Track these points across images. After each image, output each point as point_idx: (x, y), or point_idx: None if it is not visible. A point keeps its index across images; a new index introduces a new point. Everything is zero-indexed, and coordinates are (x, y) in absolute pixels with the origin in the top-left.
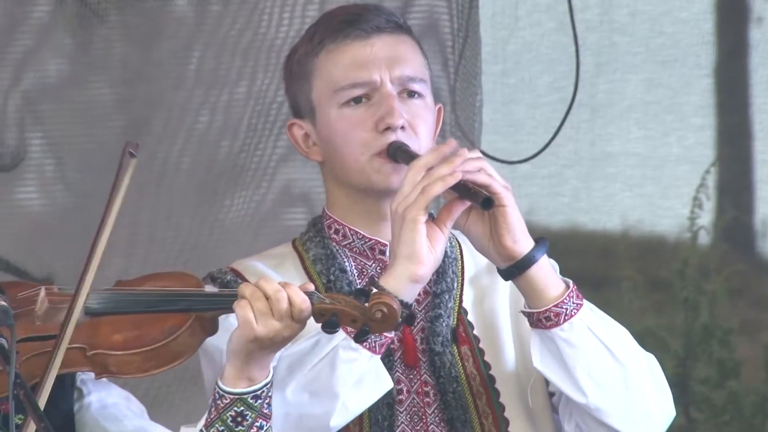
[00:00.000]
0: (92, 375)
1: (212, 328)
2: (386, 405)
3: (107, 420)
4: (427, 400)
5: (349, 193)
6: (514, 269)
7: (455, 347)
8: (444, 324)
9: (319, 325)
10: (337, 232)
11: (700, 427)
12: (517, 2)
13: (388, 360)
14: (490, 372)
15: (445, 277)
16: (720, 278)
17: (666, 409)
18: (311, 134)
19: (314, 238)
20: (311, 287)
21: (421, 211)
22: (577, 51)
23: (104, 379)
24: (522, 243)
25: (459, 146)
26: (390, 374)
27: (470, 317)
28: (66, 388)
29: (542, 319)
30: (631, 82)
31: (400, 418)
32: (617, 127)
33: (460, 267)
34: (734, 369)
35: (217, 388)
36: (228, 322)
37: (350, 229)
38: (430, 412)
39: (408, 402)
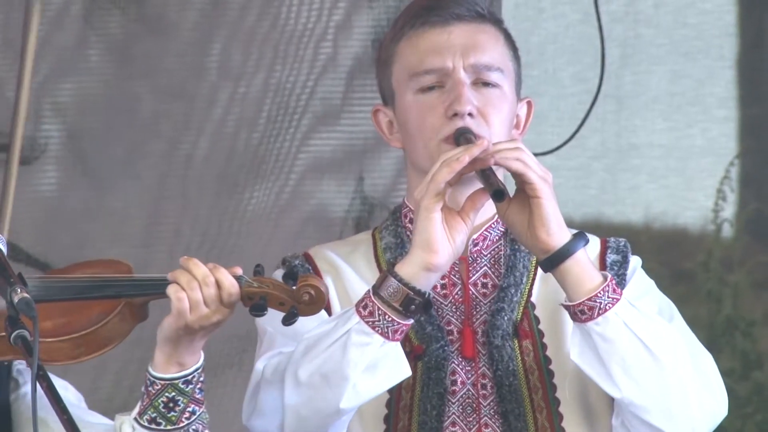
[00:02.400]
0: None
1: (143, 314)
2: (437, 395)
3: (43, 410)
4: (484, 392)
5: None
6: (549, 262)
7: (516, 341)
8: (506, 318)
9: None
10: (411, 221)
11: (723, 419)
12: None
13: (443, 351)
14: (550, 366)
15: (514, 272)
16: (743, 270)
17: (711, 408)
18: (393, 121)
19: (390, 226)
20: (239, 271)
21: (433, 199)
22: (602, 42)
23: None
24: (557, 236)
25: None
26: (445, 365)
27: (537, 311)
28: (2, 378)
29: (578, 312)
30: (655, 74)
31: (451, 408)
32: (642, 118)
33: (533, 261)
34: (758, 360)
35: (149, 375)
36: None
37: None
38: (485, 405)
39: (462, 393)
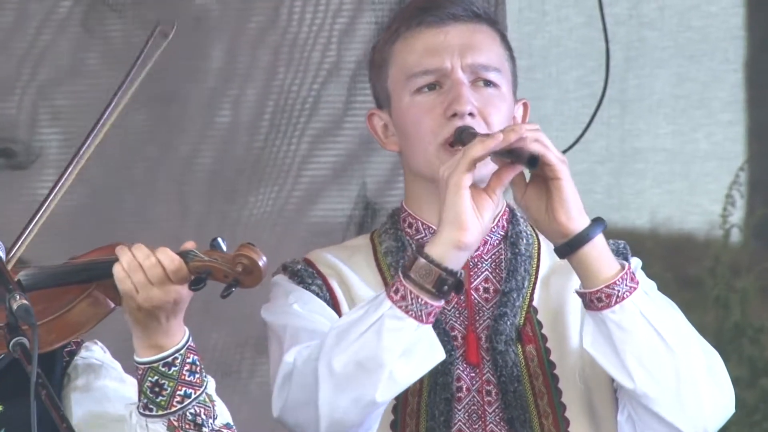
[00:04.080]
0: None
1: (118, 297)
2: (444, 401)
3: (96, 402)
4: (488, 398)
5: (422, 185)
6: (567, 247)
7: (519, 346)
8: (508, 323)
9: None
10: (410, 226)
11: (732, 426)
12: None
13: (449, 356)
14: (554, 371)
15: (516, 276)
16: (751, 276)
17: (722, 404)
18: (389, 124)
19: (389, 230)
20: (191, 245)
21: (463, 174)
22: (607, 45)
23: (93, 361)
24: (577, 220)
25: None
26: (451, 370)
27: (540, 316)
28: (56, 371)
29: (594, 300)
30: (660, 77)
31: (457, 415)
32: (646, 122)
33: (534, 265)
34: (766, 368)
35: (134, 361)
36: (276, 294)
37: (423, 224)
38: (490, 411)
39: (467, 400)
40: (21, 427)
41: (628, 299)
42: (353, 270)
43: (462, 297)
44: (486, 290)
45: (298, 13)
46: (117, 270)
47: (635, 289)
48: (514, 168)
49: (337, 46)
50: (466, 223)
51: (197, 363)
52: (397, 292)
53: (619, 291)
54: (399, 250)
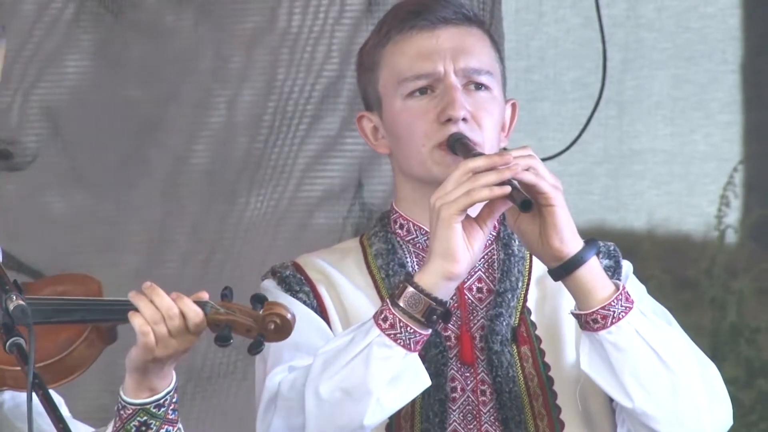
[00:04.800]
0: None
1: (111, 337)
2: (438, 401)
3: (19, 419)
4: (483, 399)
5: (414, 187)
6: (562, 270)
7: (515, 347)
8: (504, 323)
9: (356, 323)
10: (401, 227)
11: (729, 427)
12: None
13: (442, 356)
14: (549, 373)
15: (510, 276)
16: (748, 277)
17: (720, 418)
18: (379, 127)
19: (379, 232)
20: (205, 296)
21: (459, 212)
22: (604, 47)
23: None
24: (570, 244)
25: (512, 158)
26: (444, 371)
27: (533, 317)
28: None
29: (590, 321)
30: (657, 79)
31: (452, 416)
32: (644, 123)
33: (527, 266)
34: (762, 368)
35: (120, 399)
36: None
37: (414, 225)
38: (485, 411)
39: (462, 400)
40: None
41: (623, 319)
42: (343, 274)
43: (455, 297)
44: (479, 290)
45: (298, 12)
46: (139, 322)
47: (631, 309)
48: (506, 202)
49: (331, 47)
50: (457, 255)
51: (177, 401)
52: (385, 320)
53: (614, 312)
54: (389, 252)
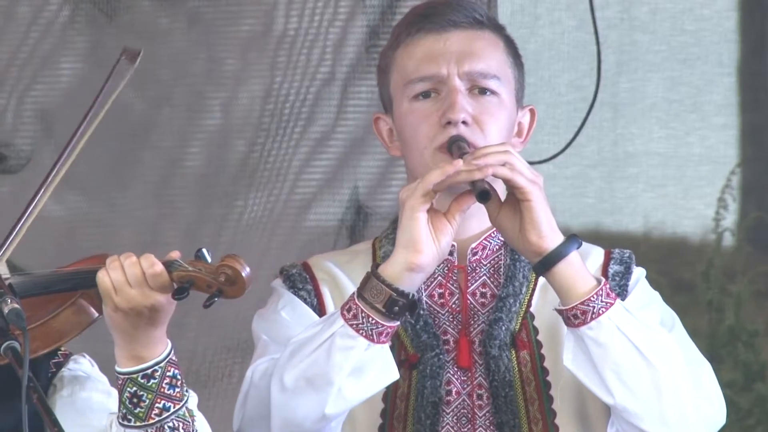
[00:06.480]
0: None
1: (102, 306)
2: (431, 404)
3: (79, 414)
4: (479, 402)
5: None
6: (541, 265)
7: (513, 351)
8: (503, 328)
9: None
10: None
11: (726, 430)
12: (536, 0)
13: (438, 359)
14: (547, 378)
15: (514, 281)
16: (745, 280)
17: (709, 416)
18: (393, 129)
19: (390, 235)
20: (176, 255)
21: (419, 199)
22: (598, 49)
23: (80, 373)
24: (548, 239)
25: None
26: (440, 374)
27: (536, 322)
28: (43, 378)
29: (571, 317)
30: (652, 81)
31: (445, 419)
32: (639, 126)
33: (533, 272)
34: (760, 372)
35: (115, 371)
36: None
37: None
38: (480, 415)
39: (457, 403)
40: None
41: (604, 315)
42: (349, 275)
43: (458, 301)
44: (483, 295)
45: (295, 15)
46: (100, 273)
47: (612, 304)
48: (472, 195)
49: (326, 49)
50: (420, 245)
51: (178, 377)
52: (349, 310)
53: (594, 307)
54: None
